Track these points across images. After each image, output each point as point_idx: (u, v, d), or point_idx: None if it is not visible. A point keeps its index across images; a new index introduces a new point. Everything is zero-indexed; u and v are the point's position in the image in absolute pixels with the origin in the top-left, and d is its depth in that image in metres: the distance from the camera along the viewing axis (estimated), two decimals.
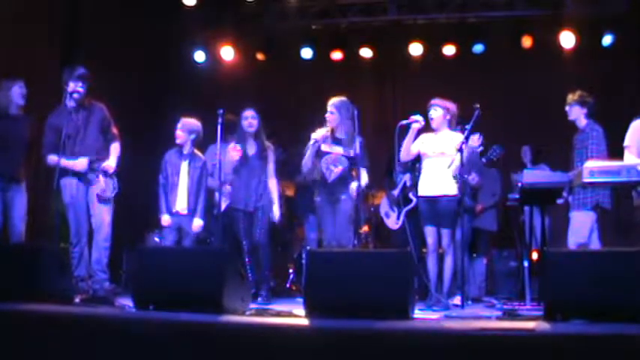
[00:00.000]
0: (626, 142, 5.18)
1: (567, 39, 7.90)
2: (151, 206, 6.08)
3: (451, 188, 5.41)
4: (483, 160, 5.80)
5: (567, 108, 5.68)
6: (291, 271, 7.22)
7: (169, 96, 8.20)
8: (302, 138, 5.87)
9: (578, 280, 3.42)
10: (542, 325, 3.31)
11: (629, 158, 5.05)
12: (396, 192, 6.58)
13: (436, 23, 8.45)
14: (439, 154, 5.47)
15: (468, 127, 5.22)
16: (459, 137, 5.37)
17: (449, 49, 8.41)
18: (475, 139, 5.25)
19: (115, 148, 5.59)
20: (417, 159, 5.76)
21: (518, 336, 3.14)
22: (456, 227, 5.42)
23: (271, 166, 5.99)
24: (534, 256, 6.27)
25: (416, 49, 8.46)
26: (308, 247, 6.62)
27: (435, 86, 6.67)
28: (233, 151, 5.80)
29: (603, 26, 7.84)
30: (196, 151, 6.07)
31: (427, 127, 5.59)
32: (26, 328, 3.63)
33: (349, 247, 5.51)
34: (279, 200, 6.04)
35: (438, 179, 5.45)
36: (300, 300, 3.99)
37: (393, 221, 6.66)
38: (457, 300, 5.31)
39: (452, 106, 5.63)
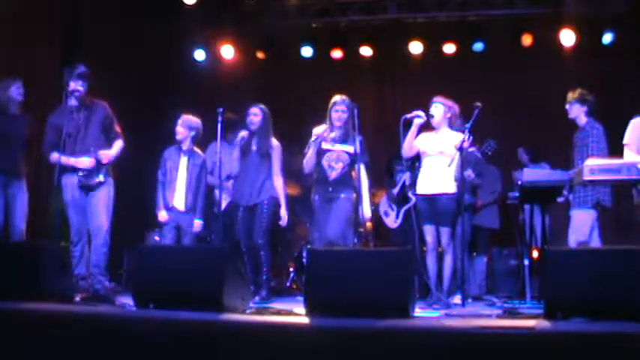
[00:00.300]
0: (625, 140, 5.17)
1: (567, 37, 7.90)
2: (150, 205, 6.07)
3: (450, 186, 5.42)
4: (478, 154, 5.78)
5: (567, 106, 5.68)
6: (291, 269, 7.23)
7: (169, 95, 8.19)
8: (302, 136, 5.85)
9: (578, 279, 3.41)
10: (542, 324, 3.31)
11: (629, 156, 5.05)
12: (395, 190, 6.58)
13: (436, 22, 8.44)
14: (438, 153, 5.47)
15: (467, 125, 5.22)
16: (458, 136, 5.36)
17: (449, 48, 8.41)
18: (465, 139, 5.23)
19: (117, 145, 5.58)
20: (417, 158, 5.76)
21: (519, 334, 3.13)
22: (456, 225, 5.42)
23: (277, 165, 5.88)
24: (535, 254, 6.26)
25: (416, 47, 8.45)
26: (309, 246, 6.61)
27: (435, 85, 6.67)
28: (241, 134, 5.79)
29: (603, 24, 7.82)
30: (196, 149, 6.06)
31: (428, 126, 5.59)
32: (26, 327, 3.62)
33: (349, 246, 5.50)
34: (285, 201, 5.93)
35: (437, 178, 5.45)
36: (301, 299, 3.99)
37: (391, 220, 6.66)
38: (457, 299, 5.31)
39: (454, 105, 5.63)
